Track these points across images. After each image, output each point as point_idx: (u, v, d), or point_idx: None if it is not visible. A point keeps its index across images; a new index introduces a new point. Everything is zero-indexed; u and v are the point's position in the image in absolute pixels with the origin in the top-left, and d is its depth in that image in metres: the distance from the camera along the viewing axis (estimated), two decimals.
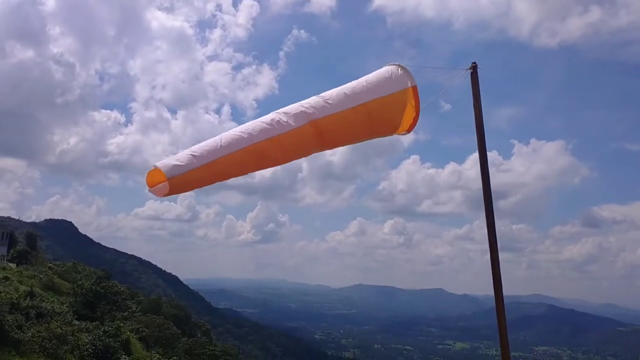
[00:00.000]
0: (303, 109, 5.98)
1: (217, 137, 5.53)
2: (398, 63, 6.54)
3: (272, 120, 5.79)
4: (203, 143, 5.46)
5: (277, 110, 6.01)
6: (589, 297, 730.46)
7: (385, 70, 6.55)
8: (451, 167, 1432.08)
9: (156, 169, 5.06)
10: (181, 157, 5.19)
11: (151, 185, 5.20)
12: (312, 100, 6.16)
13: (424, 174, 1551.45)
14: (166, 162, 5.11)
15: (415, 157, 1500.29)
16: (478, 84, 6.84)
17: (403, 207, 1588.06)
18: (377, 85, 6.37)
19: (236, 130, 5.66)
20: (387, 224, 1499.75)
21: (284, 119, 5.82)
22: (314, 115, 5.96)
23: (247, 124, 5.85)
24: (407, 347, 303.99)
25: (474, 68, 6.82)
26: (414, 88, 6.40)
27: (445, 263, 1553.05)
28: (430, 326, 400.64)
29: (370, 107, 6.27)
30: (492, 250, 6.70)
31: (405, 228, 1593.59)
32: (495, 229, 6.73)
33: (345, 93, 6.29)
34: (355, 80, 6.54)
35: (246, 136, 5.55)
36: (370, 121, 6.37)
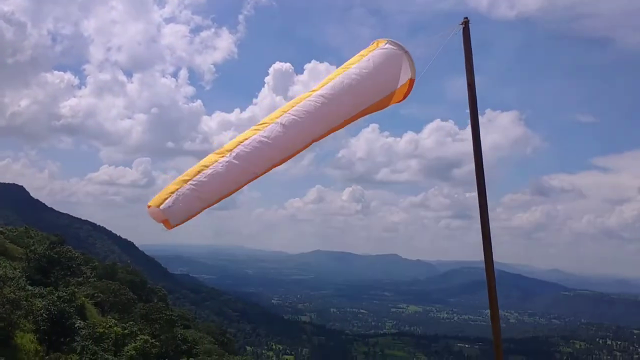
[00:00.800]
0: (306, 123, 5.52)
1: (222, 168, 5.14)
2: (404, 48, 6.07)
3: (278, 143, 5.38)
4: (209, 177, 5.09)
5: (282, 122, 5.43)
6: (536, 263, 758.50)
7: (392, 60, 6.03)
8: (409, 136, 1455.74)
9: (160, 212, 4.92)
10: (188, 201, 4.97)
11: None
12: (319, 106, 5.59)
13: (382, 143, 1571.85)
14: (173, 209, 4.90)
15: (374, 126, 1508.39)
16: (470, 40, 6.50)
17: (361, 175, 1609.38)
18: (383, 83, 6.06)
19: (240, 159, 5.23)
20: (345, 192, 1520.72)
21: (285, 139, 5.41)
22: (316, 134, 5.70)
23: (250, 143, 5.29)
24: (362, 311, 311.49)
25: (466, 23, 6.47)
26: (412, 80, 6.18)
27: (401, 230, 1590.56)
28: (385, 290, 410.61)
29: (370, 109, 6.13)
30: (482, 213, 6.46)
31: (363, 195, 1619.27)
32: (485, 191, 6.51)
33: (350, 97, 5.79)
34: (359, 73, 5.84)
35: (251, 170, 5.35)
36: (362, 115, 6.19)
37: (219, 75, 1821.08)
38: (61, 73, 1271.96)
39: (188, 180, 5.07)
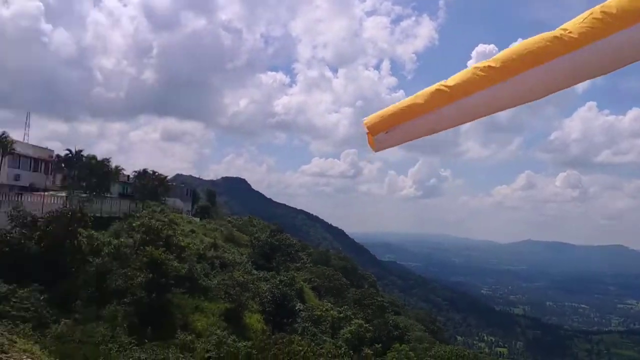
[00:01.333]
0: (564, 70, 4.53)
1: (448, 106, 4.27)
2: None
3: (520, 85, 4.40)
4: (428, 111, 4.31)
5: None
6: None
7: None
8: (634, 112, 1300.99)
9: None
10: (400, 132, 4.39)
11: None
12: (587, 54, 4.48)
13: (601, 122, 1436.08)
14: (386, 136, 4.38)
15: (591, 104, 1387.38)
16: None
17: (577, 158, 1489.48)
18: None
19: (477, 93, 4.17)
20: (558, 177, 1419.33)
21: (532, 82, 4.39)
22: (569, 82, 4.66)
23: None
24: (583, 306, 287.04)
25: None
26: None
27: (627, 217, 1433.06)
28: (609, 284, 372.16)
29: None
30: None
31: (580, 180, 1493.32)
32: None
33: (614, 55, 4.57)
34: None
35: (485, 108, 4.33)
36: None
37: (420, 64, 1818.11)
38: (274, 73, 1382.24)
39: (406, 110, 4.38)
